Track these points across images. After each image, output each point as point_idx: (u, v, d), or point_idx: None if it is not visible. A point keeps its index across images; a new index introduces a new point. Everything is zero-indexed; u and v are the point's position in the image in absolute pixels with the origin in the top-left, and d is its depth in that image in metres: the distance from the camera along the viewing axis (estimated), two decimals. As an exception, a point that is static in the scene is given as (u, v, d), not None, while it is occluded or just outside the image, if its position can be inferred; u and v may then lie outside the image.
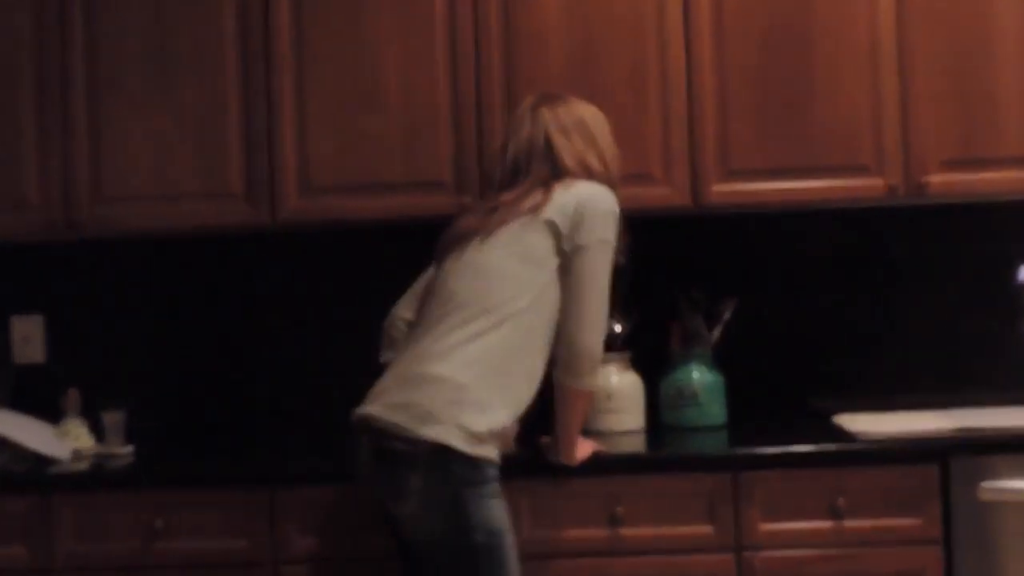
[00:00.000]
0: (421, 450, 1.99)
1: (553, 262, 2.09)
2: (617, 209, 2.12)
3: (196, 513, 2.39)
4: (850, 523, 2.35)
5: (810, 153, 2.59)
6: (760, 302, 2.85)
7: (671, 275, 2.84)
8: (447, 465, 1.98)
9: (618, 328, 2.72)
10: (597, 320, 2.07)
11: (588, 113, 2.21)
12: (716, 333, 2.75)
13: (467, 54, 2.59)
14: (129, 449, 2.63)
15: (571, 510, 2.38)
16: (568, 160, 2.17)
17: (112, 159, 2.63)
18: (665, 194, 2.61)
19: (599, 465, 2.37)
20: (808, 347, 2.85)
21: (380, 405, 2.05)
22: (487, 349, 2.03)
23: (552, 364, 2.09)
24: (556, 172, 2.16)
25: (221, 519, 2.38)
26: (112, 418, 2.65)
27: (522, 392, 2.08)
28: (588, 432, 2.60)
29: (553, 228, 2.10)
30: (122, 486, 2.41)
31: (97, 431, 2.71)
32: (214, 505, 2.39)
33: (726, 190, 2.61)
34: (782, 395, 2.83)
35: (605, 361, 2.64)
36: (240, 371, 2.85)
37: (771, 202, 2.62)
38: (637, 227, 2.70)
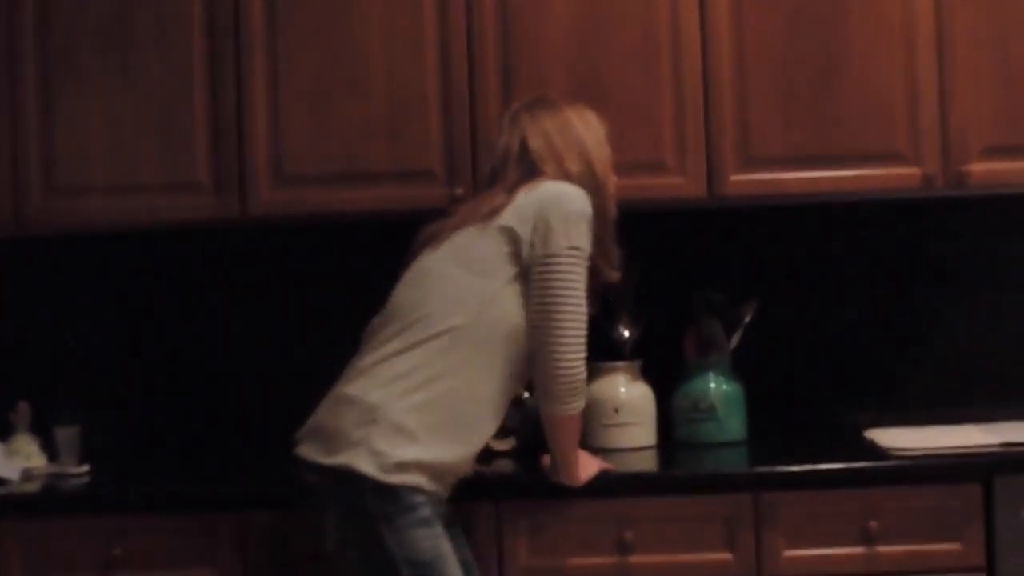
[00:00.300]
0: (330, 481, 1.96)
1: (507, 271, 2.06)
2: (589, 210, 2.08)
3: (159, 540, 2.37)
4: (883, 549, 2.35)
5: (839, 139, 2.59)
6: (783, 304, 2.85)
7: (685, 275, 2.84)
8: (358, 495, 1.95)
9: (626, 334, 2.73)
10: (573, 337, 2.05)
11: (576, 115, 2.20)
12: (735, 339, 2.75)
13: (459, 29, 2.59)
14: (85, 468, 2.62)
15: (575, 535, 2.37)
16: (542, 161, 2.15)
17: (65, 147, 2.62)
18: (678, 184, 2.60)
19: (606, 485, 2.36)
20: (836, 354, 2.85)
21: (303, 433, 2.03)
22: (413, 366, 2.00)
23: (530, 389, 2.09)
24: (530, 175, 2.14)
25: (187, 546, 2.37)
26: (66, 434, 2.64)
27: (469, 421, 2.04)
28: (594, 449, 2.60)
29: (509, 234, 2.07)
30: (77, 510, 2.39)
31: (49, 448, 2.68)
32: (179, 531, 2.37)
33: (745, 180, 2.61)
34: (807, 407, 2.84)
35: (613, 370, 2.69)
36: (208, 381, 2.84)
37: (795, 193, 2.61)
38: (647, 221, 2.80)
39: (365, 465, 1.96)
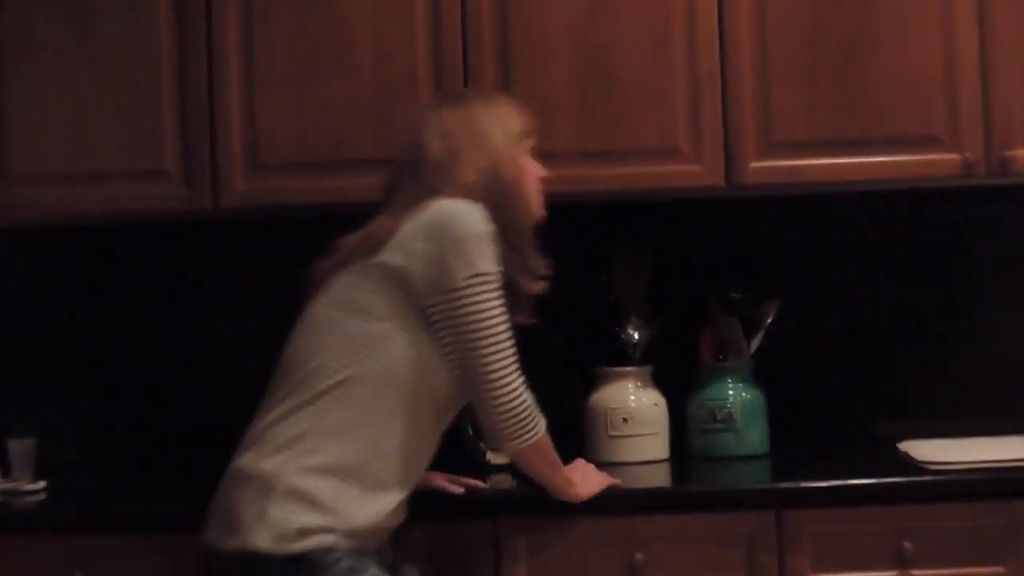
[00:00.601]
0: (234, 567, 1.95)
1: (399, 312, 2.04)
2: (485, 228, 2.05)
3: (123, 562, 2.36)
4: (919, 573, 2.35)
5: (868, 122, 2.59)
6: (808, 303, 2.86)
7: (700, 271, 2.85)
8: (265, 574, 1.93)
9: (636, 336, 2.73)
10: (502, 370, 2.04)
11: (484, 109, 2.17)
12: (755, 342, 2.75)
13: (452, 1, 2.61)
14: (41, 485, 2.60)
15: (579, 557, 2.37)
16: (438, 172, 2.12)
17: (18, 130, 2.61)
18: (693, 172, 2.60)
19: (614, 502, 2.36)
20: (867, 358, 2.86)
21: (208, 514, 2.04)
22: (307, 427, 1.98)
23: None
24: (422, 192, 2.11)
25: (152, 569, 2.35)
26: (19, 447, 2.62)
27: (377, 477, 2.01)
28: (601, 463, 2.59)
29: (396, 274, 2.04)
30: (32, 530, 2.38)
31: (2, 463, 2.66)
32: (143, 552, 2.36)
33: (767, 167, 2.61)
34: (835, 417, 2.84)
35: (621, 375, 2.70)
36: (175, 389, 2.84)
37: (822, 182, 2.62)
38: (659, 212, 2.84)
39: (264, 542, 1.94)
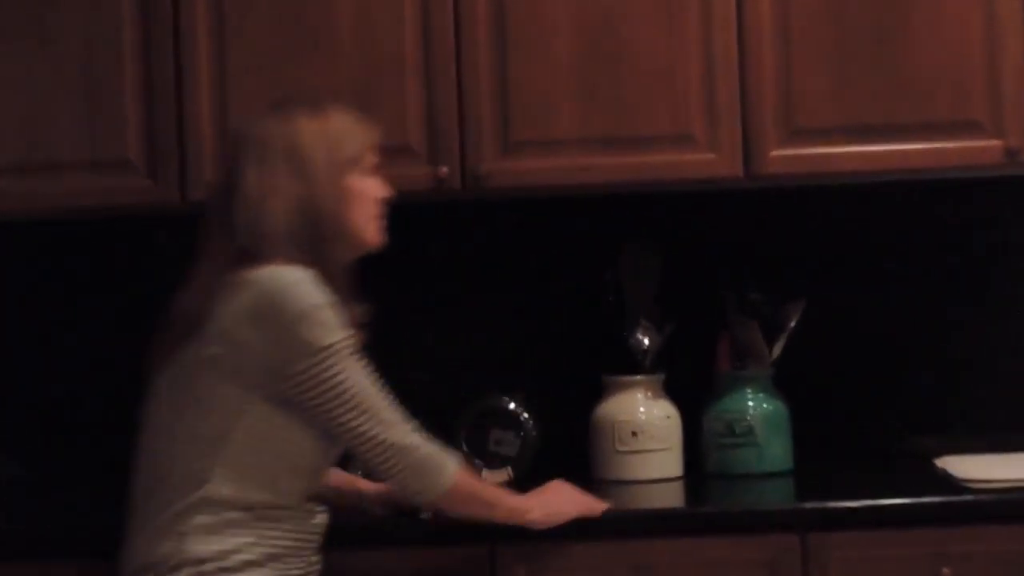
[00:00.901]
0: None
1: (243, 402, 2.05)
2: (318, 298, 2.04)
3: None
4: None
5: (902, 106, 2.58)
6: (836, 306, 2.85)
7: (717, 270, 2.84)
8: None
9: (645, 342, 2.73)
10: (381, 435, 2.07)
11: (308, 126, 2.13)
12: (777, 348, 2.74)
13: None
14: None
15: None
16: (244, 223, 2.09)
17: (-32, 119, 2.63)
18: (708, 162, 2.60)
19: (622, 525, 2.36)
20: (900, 366, 2.86)
21: None
22: (155, 547, 2.06)
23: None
24: (232, 250, 2.10)
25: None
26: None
27: (275, 546, 2.09)
28: (607, 481, 2.62)
29: (228, 367, 2.05)
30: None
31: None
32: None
33: (789, 156, 2.60)
34: (866, 430, 2.84)
35: (630, 385, 2.69)
36: (113, 400, 2.75)
37: (850, 171, 2.61)
38: (671, 205, 2.84)
39: None
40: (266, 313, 2.04)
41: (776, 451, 2.69)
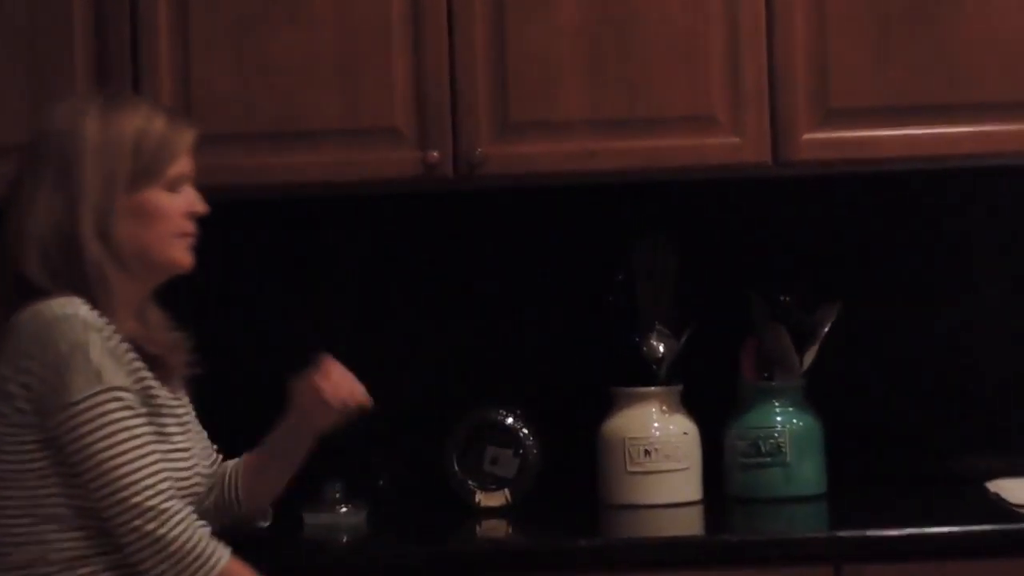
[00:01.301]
0: None
1: (31, 451, 2.06)
2: (84, 335, 2.02)
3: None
4: None
5: (950, 84, 2.58)
6: (875, 309, 2.85)
7: (741, 269, 2.84)
8: None
9: (661, 349, 2.72)
10: (133, 526, 2.02)
11: (90, 133, 2.09)
12: (809, 356, 2.74)
13: None
14: None
15: None
16: (7, 249, 2.09)
17: None
18: (732, 147, 2.60)
19: (634, 554, 2.36)
20: (946, 377, 2.85)
21: None
22: None
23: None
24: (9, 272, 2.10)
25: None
26: None
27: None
28: (615, 507, 2.63)
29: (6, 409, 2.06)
30: None
31: None
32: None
33: (823, 139, 2.60)
34: (908, 450, 2.83)
35: (643, 397, 2.70)
36: None
37: (892, 157, 2.61)
38: (690, 196, 2.82)
39: None
40: (26, 356, 2.03)
41: (807, 472, 2.68)
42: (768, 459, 2.66)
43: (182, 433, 2.13)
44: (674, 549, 2.37)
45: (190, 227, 2.17)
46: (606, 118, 2.58)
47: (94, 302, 2.05)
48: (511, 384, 2.82)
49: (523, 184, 2.69)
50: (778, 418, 2.69)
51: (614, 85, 2.58)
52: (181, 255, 2.17)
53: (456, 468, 2.65)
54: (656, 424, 2.67)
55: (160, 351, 2.12)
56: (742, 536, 2.41)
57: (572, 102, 2.58)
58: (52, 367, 2.02)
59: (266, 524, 2.35)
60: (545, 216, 2.87)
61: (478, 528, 2.56)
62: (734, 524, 2.54)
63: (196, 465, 2.14)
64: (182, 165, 2.15)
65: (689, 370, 2.73)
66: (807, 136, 2.59)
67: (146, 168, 2.12)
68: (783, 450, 2.67)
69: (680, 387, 2.71)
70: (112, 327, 2.05)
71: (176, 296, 2.27)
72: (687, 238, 2.78)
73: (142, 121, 2.12)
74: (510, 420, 2.67)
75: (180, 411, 2.15)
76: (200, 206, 2.19)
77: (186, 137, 2.16)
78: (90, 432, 2.01)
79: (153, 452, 2.03)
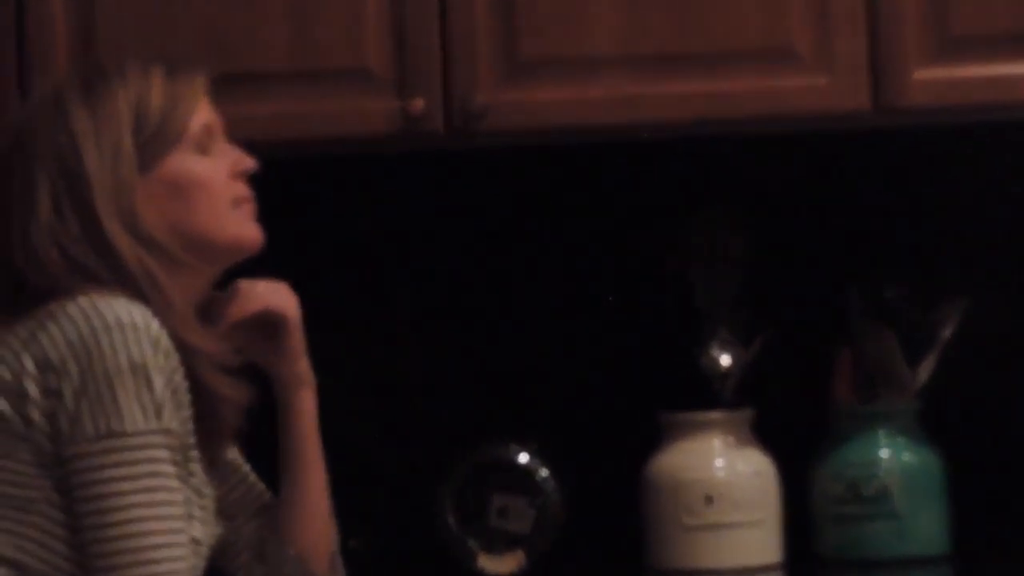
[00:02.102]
0: None
1: (27, 475, 2.05)
2: (140, 346, 2.04)
3: None
4: None
5: None
6: (1012, 309, 2.85)
7: (832, 253, 2.84)
8: None
9: (726, 362, 2.73)
10: (139, 565, 2.03)
11: (79, 121, 2.16)
12: (925, 369, 2.73)
13: None
14: None
15: None
16: (18, 244, 2.13)
17: None
18: (818, 89, 2.59)
19: None
20: None
21: None
22: None
23: None
24: (14, 269, 2.14)
25: None
26: None
27: None
28: (664, 572, 2.65)
29: (1, 420, 2.05)
30: None
31: None
32: None
33: (939, 79, 2.59)
34: None
35: (702, 426, 2.68)
36: None
37: None
38: (764, 154, 2.81)
39: None
40: (60, 361, 2.03)
41: (924, 525, 2.68)
42: (871, 508, 2.66)
43: (201, 515, 2.15)
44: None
45: (243, 190, 2.20)
46: (648, 53, 2.58)
47: (156, 311, 2.07)
48: (524, 410, 2.83)
49: (537, 142, 2.68)
50: (883, 453, 2.68)
51: (658, 9, 2.57)
52: (242, 228, 2.19)
53: (452, 523, 2.66)
54: (720, 462, 2.67)
55: (222, 388, 2.13)
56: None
57: (602, 33, 2.58)
58: (99, 380, 2.00)
59: None
60: (566, 185, 2.87)
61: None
62: (828, 597, 2.57)
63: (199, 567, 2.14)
64: (202, 116, 2.18)
65: (763, 389, 2.75)
66: (918, 74, 2.59)
67: (157, 132, 2.14)
68: (891, 496, 2.66)
69: (751, 412, 2.71)
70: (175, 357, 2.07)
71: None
72: (759, 213, 2.78)
73: (135, 83, 2.16)
74: (523, 458, 2.66)
75: (206, 491, 2.16)
76: (247, 161, 2.22)
77: (197, 84, 2.19)
78: (128, 477, 2.01)
79: (183, 531, 2.05)
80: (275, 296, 2.28)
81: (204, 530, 2.16)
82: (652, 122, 2.57)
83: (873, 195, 2.85)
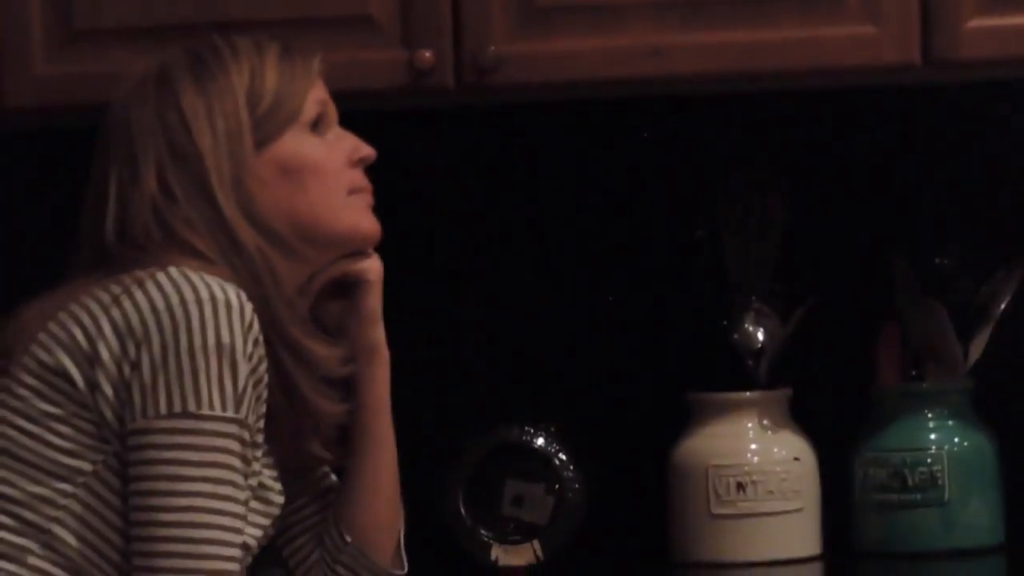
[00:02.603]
0: None
1: (79, 457, 2.05)
2: (224, 334, 2.04)
3: None
4: None
5: None
6: None
7: (878, 221, 2.82)
8: None
9: (760, 337, 2.71)
10: (192, 557, 2.03)
11: (190, 93, 2.16)
12: (978, 345, 2.71)
13: None
14: None
15: None
16: (111, 224, 2.13)
17: None
18: (864, 39, 2.55)
19: None
20: None
21: None
22: None
23: None
24: (122, 253, 2.13)
25: None
26: None
27: None
28: (690, 565, 2.65)
29: (64, 382, 2.05)
30: None
31: None
32: None
33: (996, 29, 2.53)
34: None
35: (734, 407, 2.67)
36: None
37: None
38: (803, 115, 2.82)
39: None
40: (137, 330, 2.01)
41: (976, 514, 2.67)
42: (919, 496, 2.65)
43: (256, 520, 2.13)
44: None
45: (360, 178, 2.21)
46: (677, 0, 2.56)
47: (264, 301, 2.08)
48: (541, 391, 2.81)
49: (554, 97, 2.68)
50: (932, 436, 2.67)
51: (686, -51, 2.61)
52: (359, 218, 2.20)
53: (463, 511, 2.64)
54: (754, 446, 2.65)
55: (318, 399, 2.12)
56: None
57: (623, -23, 2.62)
58: (181, 355, 2.00)
59: (402, 572, 2.30)
60: (587, 144, 2.84)
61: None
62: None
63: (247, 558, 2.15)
64: (318, 97, 2.18)
65: (801, 368, 2.73)
66: (973, 23, 2.54)
67: (270, 111, 2.16)
68: (940, 483, 2.65)
69: (788, 392, 2.69)
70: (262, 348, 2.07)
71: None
72: (798, 175, 2.75)
73: (248, 58, 2.17)
74: (540, 441, 2.64)
75: (273, 498, 2.15)
76: (365, 149, 2.23)
77: (312, 63, 2.19)
78: (195, 463, 2.01)
79: (240, 531, 2.04)
80: (356, 256, 2.26)
81: (253, 533, 2.15)
82: (681, 75, 2.54)
83: (922, 156, 2.84)
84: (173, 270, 2.04)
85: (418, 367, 2.75)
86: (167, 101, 2.13)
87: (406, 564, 2.30)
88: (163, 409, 2.00)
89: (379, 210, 2.70)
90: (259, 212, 2.12)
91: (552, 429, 2.65)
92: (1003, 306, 2.69)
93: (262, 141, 2.13)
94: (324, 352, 2.15)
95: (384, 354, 2.26)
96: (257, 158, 2.13)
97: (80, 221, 2.17)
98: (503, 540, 2.61)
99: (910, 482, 2.63)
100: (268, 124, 2.15)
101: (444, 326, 2.86)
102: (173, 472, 2.00)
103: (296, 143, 2.16)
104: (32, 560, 2.03)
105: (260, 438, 2.10)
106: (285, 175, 2.15)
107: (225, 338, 2.02)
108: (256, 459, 2.10)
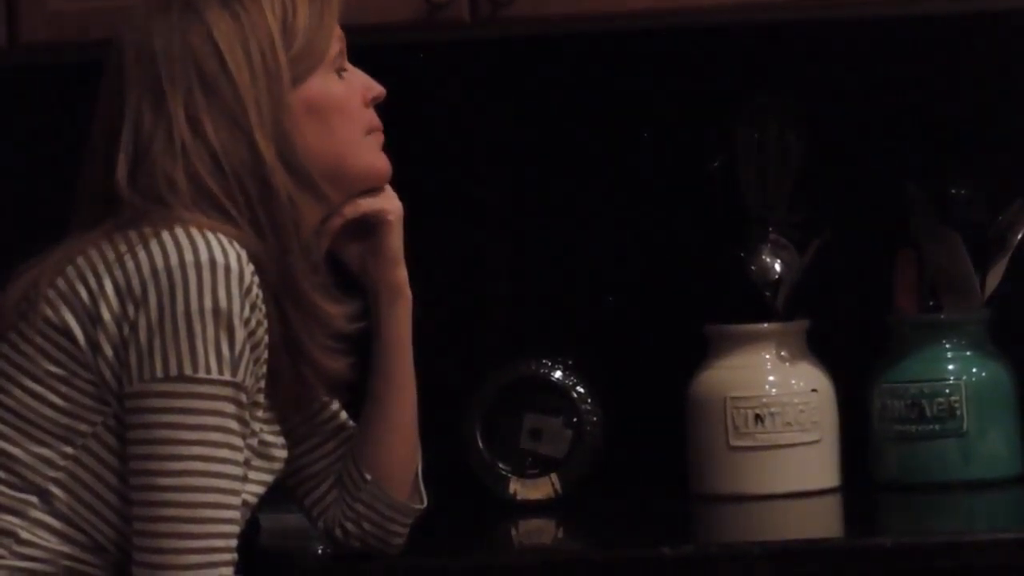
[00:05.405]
0: None
1: (81, 419, 2.10)
2: (229, 293, 2.06)
3: None
4: None
5: None
6: None
7: (894, 148, 2.83)
8: None
9: (778, 268, 2.73)
10: (179, 545, 2.07)
11: (220, 21, 2.16)
12: (995, 275, 2.73)
13: None
14: None
15: None
16: (123, 166, 2.13)
17: None
18: None
19: (746, 564, 2.32)
20: None
21: None
22: None
23: None
24: (129, 207, 2.14)
25: None
26: None
27: None
28: (709, 497, 2.67)
29: (66, 340, 2.09)
30: None
31: None
32: None
33: None
34: None
35: (751, 339, 2.70)
36: None
37: None
38: (818, 42, 2.84)
39: None
40: (141, 290, 2.05)
41: (994, 445, 2.68)
42: (936, 427, 2.67)
43: (256, 477, 2.17)
44: (800, 559, 2.33)
45: (376, 119, 2.26)
46: None
47: (281, 253, 2.11)
48: (557, 323, 2.84)
49: (569, 29, 2.71)
50: (950, 367, 2.69)
51: None
52: (375, 157, 2.26)
53: (481, 445, 2.68)
54: (772, 378, 2.68)
55: (323, 356, 2.16)
56: (897, 539, 2.35)
57: None
58: (178, 318, 2.03)
59: (422, 507, 2.36)
60: (603, 75, 2.87)
61: (514, 532, 2.59)
62: (889, 522, 2.58)
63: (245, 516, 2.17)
64: (339, 37, 2.23)
65: (819, 299, 2.75)
66: None
67: (303, 50, 2.17)
68: (958, 414, 2.67)
69: (806, 323, 2.72)
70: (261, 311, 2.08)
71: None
72: (814, 104, 2.77)
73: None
74: (558, 374, 2.67)
75: (276, 453, 2.20)
76: (377, 88, 2.27)
77: (335, 3, 2.23)
78: (191, 427, 2.04)
79: (238, 492, 2.07)
80: (376, 196, 2.29)
81: (254, 490, 2.18)
82: (696, 5, 2.58)
83: (938, 84, 2.85)
84: (179, 229, 2.06)
85: (436, 301, 2.73)
86: (197, 29, 2.13)
87: (425, 498, 2.34)
88: (159, 372, 2.04)
89: (395, 146, 2.78)
90: (294, 155, 2.13)
91: (570, 362, 2.67)
92: (1020, 236, 2.71)
93: (295, 80, 2.15)
94: (333, 309, 2.18)
95: (407, 294, 2.31)
96: (294, 94, 2.15)
97: (82, 168, 2.17)
98: (521, 473, 2.66)
99: (928, 413, 2.66)
100: (301, 63, 2.16)
101: (460, 260, 2.89)
102: (170, 436, 2.04)
103: (323, 83, 2.19)
104: (34, 513, 2.07)
105: (260, 398, 2.13)
106: (313, 116, 2.17)
107: (222, 302, 2.04)
108: (256, 418, 2.13)
